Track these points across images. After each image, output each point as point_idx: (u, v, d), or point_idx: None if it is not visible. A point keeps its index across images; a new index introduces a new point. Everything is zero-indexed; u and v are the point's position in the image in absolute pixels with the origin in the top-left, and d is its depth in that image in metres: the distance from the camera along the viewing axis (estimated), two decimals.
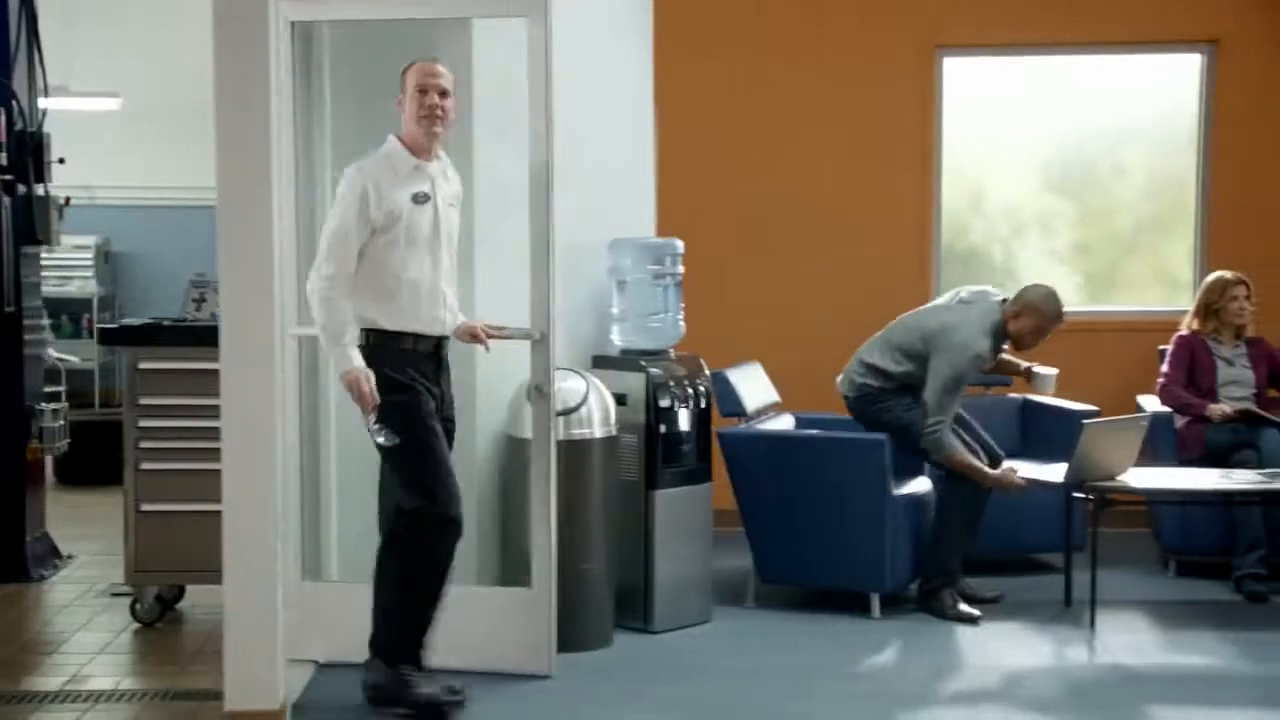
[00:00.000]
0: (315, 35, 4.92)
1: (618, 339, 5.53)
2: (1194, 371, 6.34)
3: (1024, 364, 5.90)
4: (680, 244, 5.61)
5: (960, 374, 5.50)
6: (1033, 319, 5.58)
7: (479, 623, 4.79)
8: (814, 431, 5.73)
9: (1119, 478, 5.51)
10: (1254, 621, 5.53)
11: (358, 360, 4.31)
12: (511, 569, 5.14)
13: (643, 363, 5.37)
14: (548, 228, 4.66)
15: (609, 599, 5.22)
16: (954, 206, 7.62)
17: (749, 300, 7.33)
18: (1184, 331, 6.46)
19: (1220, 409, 6.13)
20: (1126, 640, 5.30)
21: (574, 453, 5.09)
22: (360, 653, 4.78)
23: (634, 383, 5.36)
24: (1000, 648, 5.20)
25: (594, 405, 5.12)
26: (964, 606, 5.56)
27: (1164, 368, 6.40)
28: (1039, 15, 7.33)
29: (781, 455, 5.68)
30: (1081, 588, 5.54)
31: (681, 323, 5.57)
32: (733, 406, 5.84)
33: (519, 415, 5.09)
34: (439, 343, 4.48)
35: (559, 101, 5.38)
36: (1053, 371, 5.84)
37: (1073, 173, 7.61)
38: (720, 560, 5.81)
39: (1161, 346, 6.77)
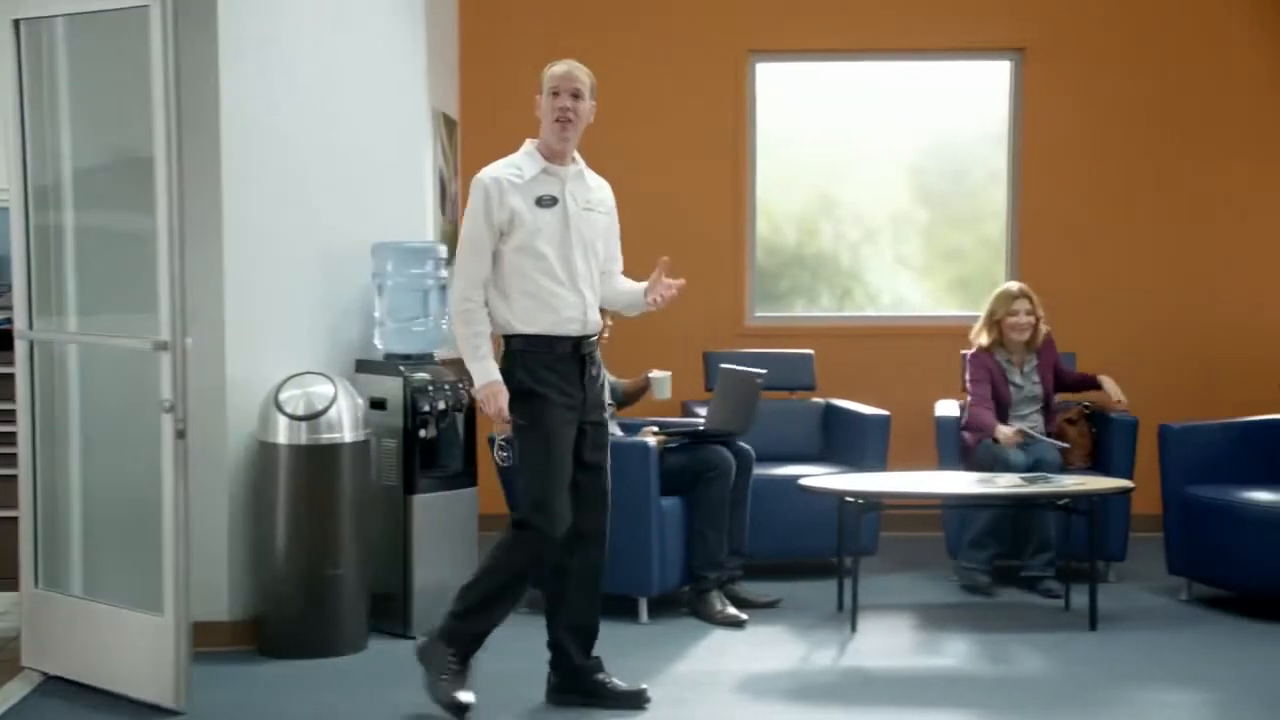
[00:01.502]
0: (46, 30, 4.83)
1: (379, 343, 5.50)
2: (993, 393, 6.34)
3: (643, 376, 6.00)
4: (444, 248, 5.59)
5: None
6: None
7: (121, 644, 4.59)
8: None
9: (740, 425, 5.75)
10: (1017, 624, 5.56)
11: (493, 374, 4.32)
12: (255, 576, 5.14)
13: (401, 368, 5.34)
14: (173, 226, 4.36)
15: (361, 604, 5.19)
16: (806, 211, 7.63)
17: None
18: (975, 349, 6.43)
19: (1007, 434, 6.12)
20: (881, 643, 5.31)
21: (320, 457, 5.06)
22: (91, 674, 4.70)
23: (393, 387, 5.33)
24: (751, 651, 5.19)
25: (344, 409, 5.09)
26: (731, 610, 5.56)
27: (969, 389, 6.37)
28: (854, 21, 7.36)
29: None
30: (864, 591, 5.57)
31: (446, 326, 5.55)
32: None
33: (268, 419, 5.07)
34: (578, 343, 4.42)
35: (319, 104, 5.41)
36: (666, 374, 5.94)
37: (942, 178, 7.60)
38: None
39: (963, 351, 6.81)
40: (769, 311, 7.62)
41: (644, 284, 4.55)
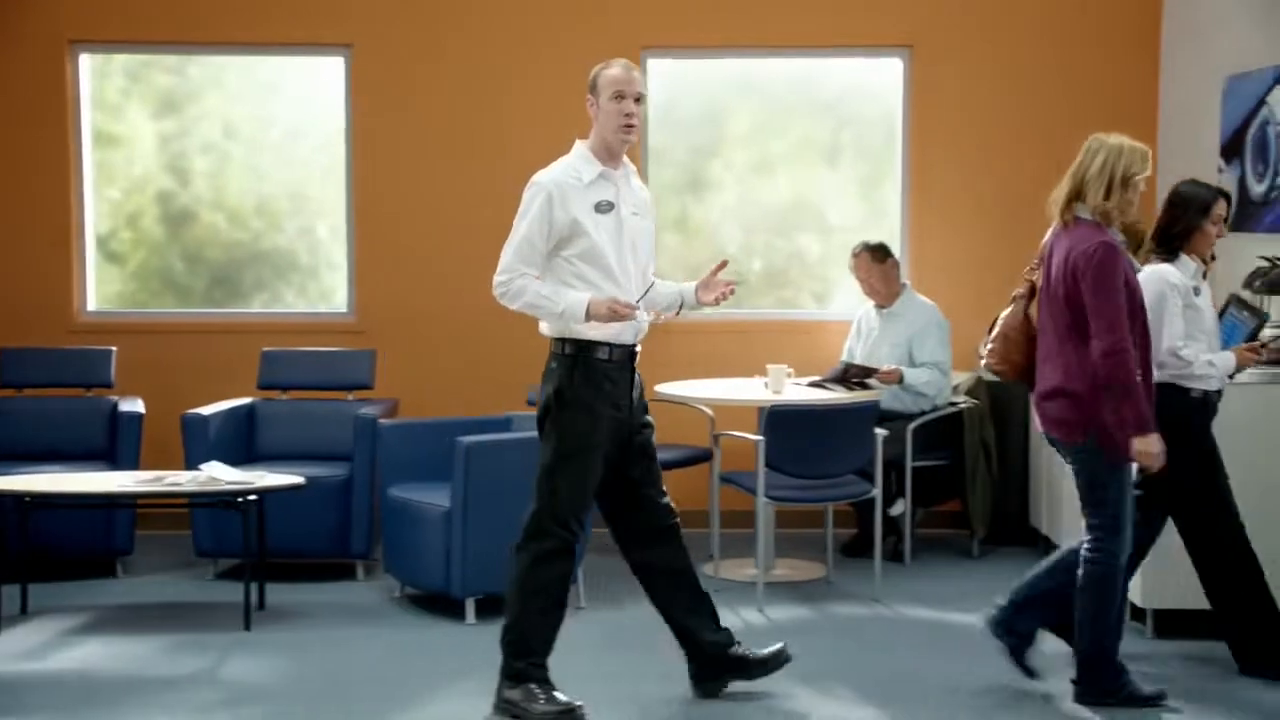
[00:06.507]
0: None
1: None
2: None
3: None
4: None
5: None
6: None
7: None
8: None
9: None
10: (185, 625, 5.55)
11: (578, 297, 4.18)
12: None
13: None
14: None
15: None
16: (276, 206, 7.51)
17: None
18: (1105, 238, 4.28)
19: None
20: (17, 645, 5.25)
21: None
22: None
23: None
24: None
25: None
26: None
27: (1101, 311, 4.23)
28: (183, 13, 7.26)
29: None
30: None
31: None
32: None
33: None
34: (632, 351, 4.36)
35: None
36: None
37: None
38: None
39: (268, 348, 6.75)
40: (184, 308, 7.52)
41: (684, 285, 4.53)
